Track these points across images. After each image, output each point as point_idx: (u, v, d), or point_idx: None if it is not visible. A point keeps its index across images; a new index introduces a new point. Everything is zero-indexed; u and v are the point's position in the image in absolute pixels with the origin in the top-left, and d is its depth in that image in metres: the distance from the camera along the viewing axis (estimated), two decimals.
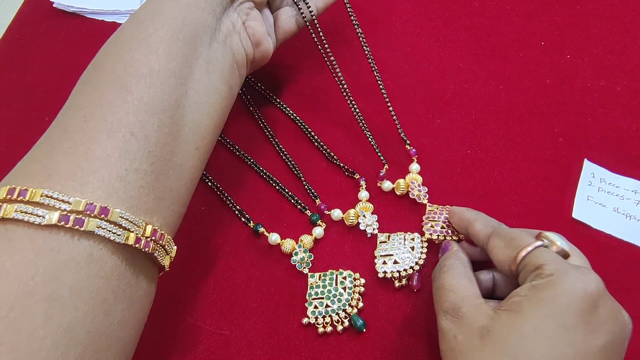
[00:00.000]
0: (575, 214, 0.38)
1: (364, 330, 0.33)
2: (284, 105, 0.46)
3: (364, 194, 0.39)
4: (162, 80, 0.27)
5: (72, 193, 0.23)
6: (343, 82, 0.42)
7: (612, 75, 0.46)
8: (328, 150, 0.42)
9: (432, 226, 0.37)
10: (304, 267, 0.36)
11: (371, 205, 0.39)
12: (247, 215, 0.39)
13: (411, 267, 0.35)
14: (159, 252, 0.26)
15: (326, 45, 0.41)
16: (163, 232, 0.26)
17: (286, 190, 0.40)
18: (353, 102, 0.42)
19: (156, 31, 0.28)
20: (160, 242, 0.26)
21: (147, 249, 0.25)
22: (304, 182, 0.41)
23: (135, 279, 0.25)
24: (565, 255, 0.28)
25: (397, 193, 0.39)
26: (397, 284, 0.35)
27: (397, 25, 0.51)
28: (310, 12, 0.39)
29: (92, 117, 0.25)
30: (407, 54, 0.48)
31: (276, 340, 0.33)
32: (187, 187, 0.29)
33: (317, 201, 0.40)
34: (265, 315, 0.34)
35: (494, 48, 0.48)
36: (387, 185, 0.40)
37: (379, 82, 0.43)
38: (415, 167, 0.40)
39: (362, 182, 0.40)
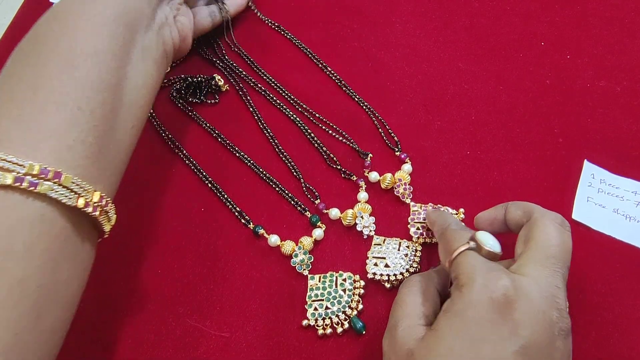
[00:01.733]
0: (575, 215, 0.38)
1: (364, 332, 0.33)
2: (284, 107, 0.46)
3: (362, 195, 0.39)
4: (106, 61, 0.29)
5: (25, 158, 0.24)
6: (269, 90, 0.44)
7: (612, 76, 0.45)
8: (328, 152, 0.42)
9: (418, 229, 0.37)
10: (304, 269, 0.36)
11: (369, 206, 0.39)
12: (247, 217, 0.39)
13: (401, 273, 0.34)
14: (103, 217, 0.28)
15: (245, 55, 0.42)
16: (108, 198, 0.28)
17: (286, 191, 0.40)
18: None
19: (100, 13, 0.30)
20: (106, 208, 0.28)
21: (95, 213, 0.26)
22: (303, 183, 0.41)
23: (81, 241, 0.27)
24: (494, 257, 0.27)
25: (382, 186, 0.39)
26: (387, 285, 0.35)
27: (397, 26, 0.51)
28: (222, 14, 0.45)
29: (40, 88, 0.26)
30: (407, 55, 0.48)
31: (276, 342, 0.33)
32: (124, 161, 0.32)
33: (317, 201, 0.40)
34: (265, 317, 0.34)
35: (493, 49, 0.48)
36: (374, 176, 0.40)
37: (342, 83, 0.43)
38: (407, 167, 0.40)
39: (361, 183, 0.40)
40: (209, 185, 0.41)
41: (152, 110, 0.46)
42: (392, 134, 0.43)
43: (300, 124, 0.44)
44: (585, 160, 0.40)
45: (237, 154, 0.43)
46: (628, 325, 0.33)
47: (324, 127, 0.44)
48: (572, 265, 0.35)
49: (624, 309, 0.34)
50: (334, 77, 0.47)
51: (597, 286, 0.35)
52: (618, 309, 0.34)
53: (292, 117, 0.45)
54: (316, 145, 0.43)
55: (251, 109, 0.46)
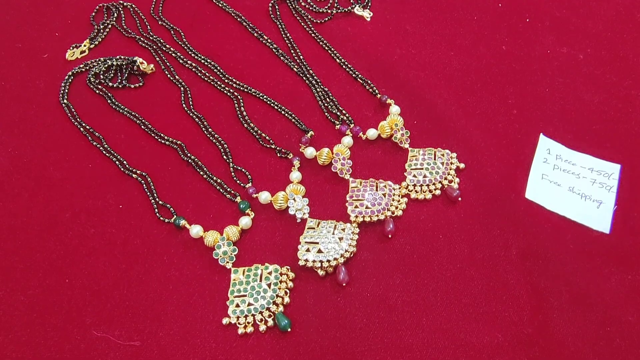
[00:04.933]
0: (529, 194, 0.34)
1: (289, 329, 0.30)
2: (217, 83, 0.41)
3: (295, 175, 0.35)
4: None
5: None
6: (200, 65, 0.40)
7: (575, 42, 0.42)
8: (259, 131, 0.38)
9: (356, 207, 0.33)
10: (227, 262, 0.32)
11: (303, 187, 0.35)
12: (171, 209, 0.35)
13: (335, 259, 0.31)
14: None
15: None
16: None
17: (213, 177, 0.36)
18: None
19: None
20: None
21: None
22: (232, 166, 0.36)
23: None
24: None
25: (319, 162, 0.36)
26: (320, 272, 0.31)
27: None
28: None
29: None
30: (349, 17, 0.44)
31: (191, 344, 0.30)
32: None
33: (248, 185, 0.36)
34: (182, 319, 0.31)
35: (445, 10, 0.43)
36: (310, 151, 0.36)
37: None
38: (347, 140, 0.37)
39: (295, 162, 0.36)
40: (134, 176, 0.36)
41: (66, 99, 0.41)
42: (332, 108, 0.39)
43: (235, 99, 0.40)
44: (541, 134, 0.37)
45: (163, 141, 0.38)
46: (585, 307, 0.30)
47: (264, 100, 0.39)
48: (525, 247, 0.32)
49: (581, 289, 0.31)
50: (271, 47, 0.43)
51: (549, 268, 0.31)
52: (577, 288, 0.31)
53: (225, 92, 0.40)
54: (246, 125, 0.38)
55: (181, 88, 0.41)
